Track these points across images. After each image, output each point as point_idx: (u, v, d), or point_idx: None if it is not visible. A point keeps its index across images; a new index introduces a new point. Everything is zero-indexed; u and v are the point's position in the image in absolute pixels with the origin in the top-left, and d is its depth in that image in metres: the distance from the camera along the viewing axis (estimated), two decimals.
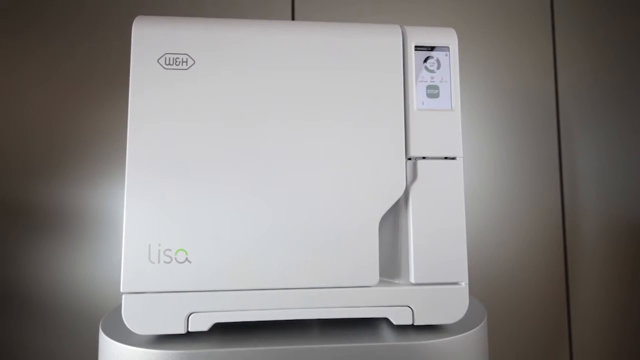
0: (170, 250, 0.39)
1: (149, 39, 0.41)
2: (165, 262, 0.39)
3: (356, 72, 0.43)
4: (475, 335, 0.44)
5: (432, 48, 0.44)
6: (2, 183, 0.80)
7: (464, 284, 0.43)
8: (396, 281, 0.44)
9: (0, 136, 0.81)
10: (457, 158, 0.43)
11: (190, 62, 0.41)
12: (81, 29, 0.84)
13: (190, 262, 0.39)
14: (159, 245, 0.39)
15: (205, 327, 0.40)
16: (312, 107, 0.42)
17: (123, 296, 0.39)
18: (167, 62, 0.41)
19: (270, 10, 0.96)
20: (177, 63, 0.41)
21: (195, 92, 0.41)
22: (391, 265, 0.44)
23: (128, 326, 0.39)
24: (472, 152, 0.93)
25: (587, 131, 0.97)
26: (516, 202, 0.93)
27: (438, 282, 0.42)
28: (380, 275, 0.44)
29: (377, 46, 0.43)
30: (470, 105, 0.94)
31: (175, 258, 0.39)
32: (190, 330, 0.40)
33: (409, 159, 0.43)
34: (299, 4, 1.00)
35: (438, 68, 0.44)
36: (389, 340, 0.41)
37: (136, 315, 0.39)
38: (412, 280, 0.42)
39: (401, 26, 0.45)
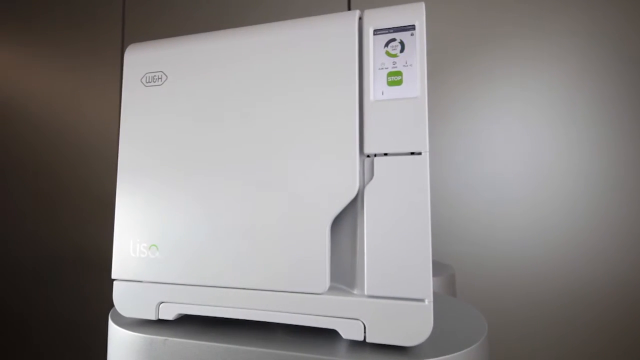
0: (145, 244, 0.45)
1: (136, 63, 0.47)
2: (141, 255, 0.45)
3: (308, 67, 0.41)
4: None
5: (395, 29, 0.39)
6: (94, 181, 1.03)
7: (428, 302, 0.36)
8: (355, 291, 0.40)
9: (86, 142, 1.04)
10: (423, 153, 0.37)
11: (164, 78, 0.46)
12: None
13: (160, 256, 0.44)
14: (138, 239, 0.45)
15: (170, 316, 0.44)
16: (268, 109, 0.42)
17: (114, 282, 0.46)
18: (147, 81, 0.47)
19: (326, 2, 0.97)
20: (154, 80, 0.46)
21: (168, 104, 0.45)
22: (350, 273, 0.40)
23: (117, 308, 0.46)
24: (569, 140, 0.75)
25: None
26: (629, 203, 0.71)
27: (396, 296, 0.37)
28: (341, 283, 0.41)
29: (328, 37, 0.40)
30: (570, 80, 0.76)
31: (149, 252, 0.44)
32: (160, 317, 0.44)
33: (367, 156, 0.39)
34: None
35: (401, 51, 0.39)
36: (338, 354, 0.37)
37: (122, 300, 0.46)
38: (365, 291, 0.38)
39: (361, 10, 0.41)
